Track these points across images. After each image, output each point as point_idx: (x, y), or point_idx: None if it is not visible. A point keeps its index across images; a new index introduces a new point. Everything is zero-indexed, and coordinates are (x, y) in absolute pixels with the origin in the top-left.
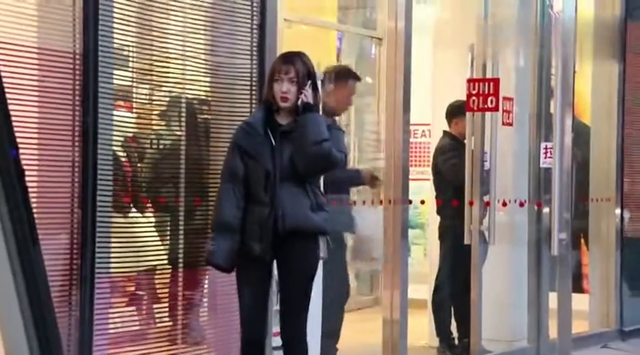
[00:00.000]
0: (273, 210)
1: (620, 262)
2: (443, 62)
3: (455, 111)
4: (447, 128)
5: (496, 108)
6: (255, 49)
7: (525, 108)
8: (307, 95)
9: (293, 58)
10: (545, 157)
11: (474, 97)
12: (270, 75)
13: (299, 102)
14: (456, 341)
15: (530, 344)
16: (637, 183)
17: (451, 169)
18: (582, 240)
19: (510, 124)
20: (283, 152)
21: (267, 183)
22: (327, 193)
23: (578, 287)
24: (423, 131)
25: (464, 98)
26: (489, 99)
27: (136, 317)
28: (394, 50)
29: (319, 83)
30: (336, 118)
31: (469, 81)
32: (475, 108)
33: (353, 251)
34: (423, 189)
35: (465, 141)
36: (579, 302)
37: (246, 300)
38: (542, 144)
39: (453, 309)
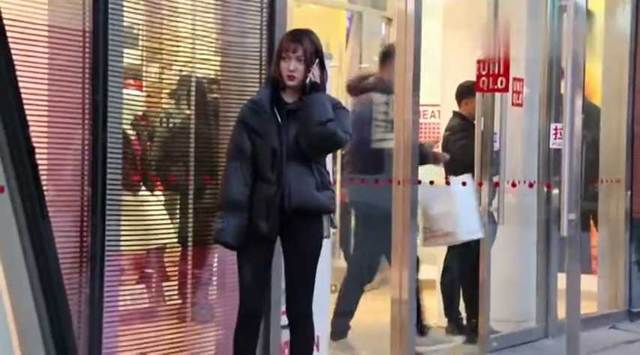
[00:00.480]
0: (279, 188)
1: (629, 244)
2: (453, 43)
3: (465, 92)
4: (456, 108)
5: (506, 89)
6: (264, 27)
7: (535, 89)
8: (315, 74)
9: (301, 36)
10: (555, 138)
11: (483, 78)
12: (278, 52)
13: (307, 80)
14: (465, 322)
15: (539, 325)
16: None
17: (461, 150)
18: (591, 222)
19: (520, 105)
20: (289, 130)
21: (274, 161)
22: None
23: (586, 269)
24: (433, 112)
25: (474, 79)
26: (499, 79)
27: (145, 295)
28: (404, 31)
29: (327, 62)
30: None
31: (479, 61)
32: (485, 88)
33: (424, 230)
34: (432, 170)
35: (475, 122)
36: (588, 283)
37: (247, 276)
38: (552, 125)
39: (461, 290)
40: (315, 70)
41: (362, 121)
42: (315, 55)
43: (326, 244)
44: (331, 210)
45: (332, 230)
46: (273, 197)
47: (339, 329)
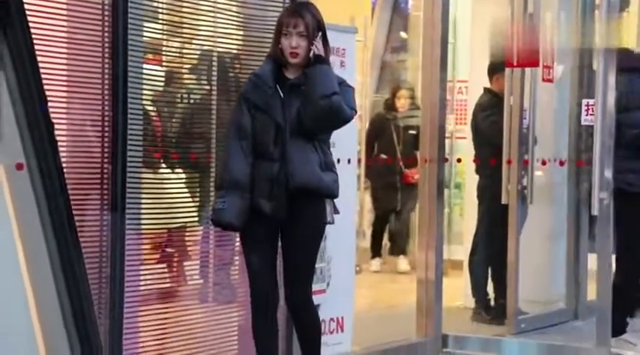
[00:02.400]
0: (283, 165)
1: None
2: (482, 18)
3: (496, 67)
4: (486, 85)
5: (536, 64)
6: (287, 1)
7: (567, 65)
8: (318, 47)
9: (301, 10)
10: (587, 114)
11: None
12: (277, 28)
13: (310, 54)
14: (492, 302)
15: (568, 306)
16: None
17: (491, 127)
18: None
19: (551, 81)
20: (292, 106)
21: (277, 137)
22: None
23: None
24: (460, 88)
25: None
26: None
27: (166, 275)
28: (431, 5)
29: (352, 36)
30: None
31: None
32: (515, 63)
33: None
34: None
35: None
36: None
37: (254, 261)
38: (584, 101)
39: (490, 270)
40: (319, 44)
41: None
42: (317, 29)
43: (350, 224)
44: (336, 194)
45: (335, 216)
46: (277, 175)
47: None
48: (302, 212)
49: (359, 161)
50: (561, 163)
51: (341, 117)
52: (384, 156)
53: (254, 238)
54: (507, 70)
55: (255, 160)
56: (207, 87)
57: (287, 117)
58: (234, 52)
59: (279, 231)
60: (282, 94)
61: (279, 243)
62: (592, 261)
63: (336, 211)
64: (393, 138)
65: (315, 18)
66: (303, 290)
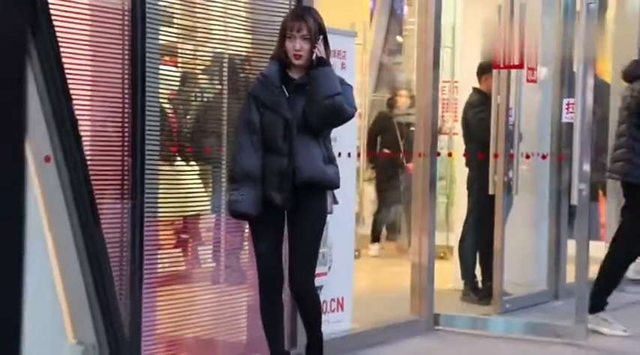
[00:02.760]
0: (291, 160)
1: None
2: (472, 24)
3: (485, 68)
4: (475, 85)
5: (521, 66)
6: (292, 7)
7: (549, 67)
8: (320, 50)
9: (304, 15)
10: (567, 112)
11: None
12: (282, 32)
13: (313, 56)
14: (480, 285)
15: (549, 288)
16: None
17: (479, 123)
18: (600, 191)
19: (534, 81)
20: (297, 104)
21: (286, 133)
22: None
23: (595, 236)
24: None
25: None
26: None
27: (181, 259)
28: (425, 11)
29: (352, 39)
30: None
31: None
32: (501, 65)
33: None
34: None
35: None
36: (596, 249)
37: (262, 247)
38: (565, 100)
39: (478, 255)
40: (320, 46)
41: None
42: (319, 32)
43: (350, 213)
44: (337, 185)
45: (335, 206)
46: (286, 169)
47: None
48: (306, 203)
49: (358, 155)
50: (544, 157)
51: (343, 115)
52: (386, 150)
53: (262, 226)
54: (495, 72)
55: (264, 154)
56: (219, 86)
57: (294, 114)
58: (244, 54)
59: (284, 220)
60: (287, 93)
61: (285, 231)
62: (571, 246)
63: (335, 201)
64: (396, 134)
65: (316, 22)
66: (306, 276)
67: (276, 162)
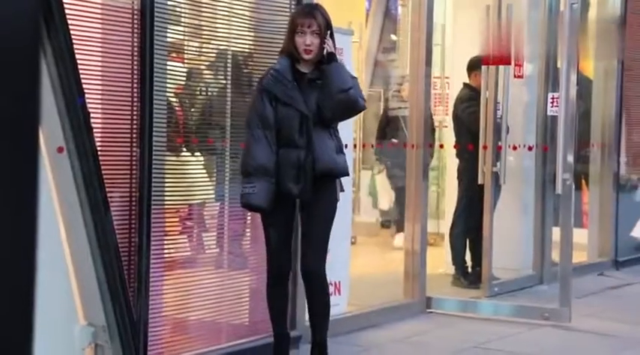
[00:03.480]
0: (309, 152)
1: (616, 201)
2: (462, 22)
3: (474, 65)
4: (465, 80)
5: (509, 62)
6: (293, 6)
7: (535, 64)
8: (330, 45)
9: (313, 11)
10: (552, 106)
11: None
12: (292, 28)
13: (324, 52)
14: (470, 270)
15: (535, 273)
16: (633, 131)
17: (469, 117)
18: (583, 181)
19: (521, 77)
20: (310, 98)
21: (302, 127)
22: None
23: (578, 223)
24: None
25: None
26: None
27: (187, 245)
28: (418, 11)
29: (349, 38)
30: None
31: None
32: (490, 61)
33: None
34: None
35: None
36: (579, 236)
37: (275, 238)
38: (550, 95)
39: (468, 241)
40: (330, 42)
41: None
42: (327, 27)
43: (347, 201)
44: (348, 173)
45: (340, 194)
46: (304, 161)
47: None
48: (319, 192)
49: (354, 146)
50: (530, 148)
51: (356, 108)
52: (395, 140)
53: (276, 217)
54: (484, 68)
55: (279, 149)
56: (223, 81)
57: (309, 107)
58: (247, 51)
59: (295, 211)
60: (300, 88)
61: (295, 222)
62: (556, 233)
63: (341, 189)
64: (402, 126)
65: (324, 18)
66: (320, 260)
67: (293, 155)
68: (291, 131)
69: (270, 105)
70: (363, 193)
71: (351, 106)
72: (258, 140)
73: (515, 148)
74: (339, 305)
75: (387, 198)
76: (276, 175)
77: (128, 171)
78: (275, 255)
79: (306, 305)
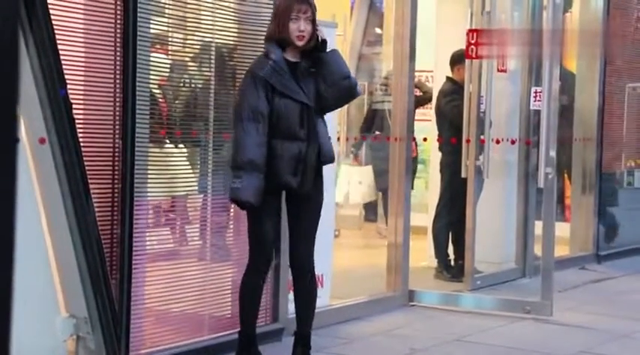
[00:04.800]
0: (312, 144)
1: (598, 195)
2: (445, 15)
3: (457, 59)
4: (449, 74)
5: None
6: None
7: (518, 58)
8: (322, 32)
9: None
10: (535, 100)
11: (472, 46)
12: (286, 14)
13: (318, 39)
14: (452, 263)
15: (517, 266)
16: (615, 126)
17: (452, 110)
18: (565, 175)
19: (504, 71)
20: (308, 87)
21: (303, 118)
22: None
23: (560, 217)
24: (427, 77)
25: (464, 47)
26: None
27: (170, 237)
28: (401, 5)
29: (333, 31)
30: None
31: (469, 31)
32: (473, 55)
33: None
34: (425, 129)
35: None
36: (561, 229)
37: (264, 230)
38: (533, 89)
39: (450, 235)
40: (322, 29)
41: None
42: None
43: (330, 195)
44: (334, 159)
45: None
46: (306, 153)
47: None
48: (315, 184)
49: (338, 139)
50: (512, 142)
51: (356, 94)
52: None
53: (265, 212)
54: (467, 61)
55: (277, 142)
56: (207, 74)
57: (309, 97)
58: (231, 43)
59: (281, 205)
60: (296, 78)
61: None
62: (538, 227)
63: None
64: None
65: (314, 6)
66: (311, 254)
67: (293, 148)
68: (291, 123)
69: (266, 96)
70: (347, 186)
71: (352, 93)
72: (248, 133)
73: (498, 142)
74: (321, 298)
75: (370, 191)
76: (274, 168)
77: (110, 163)
78: (263, 246)
79: (293, 298)
